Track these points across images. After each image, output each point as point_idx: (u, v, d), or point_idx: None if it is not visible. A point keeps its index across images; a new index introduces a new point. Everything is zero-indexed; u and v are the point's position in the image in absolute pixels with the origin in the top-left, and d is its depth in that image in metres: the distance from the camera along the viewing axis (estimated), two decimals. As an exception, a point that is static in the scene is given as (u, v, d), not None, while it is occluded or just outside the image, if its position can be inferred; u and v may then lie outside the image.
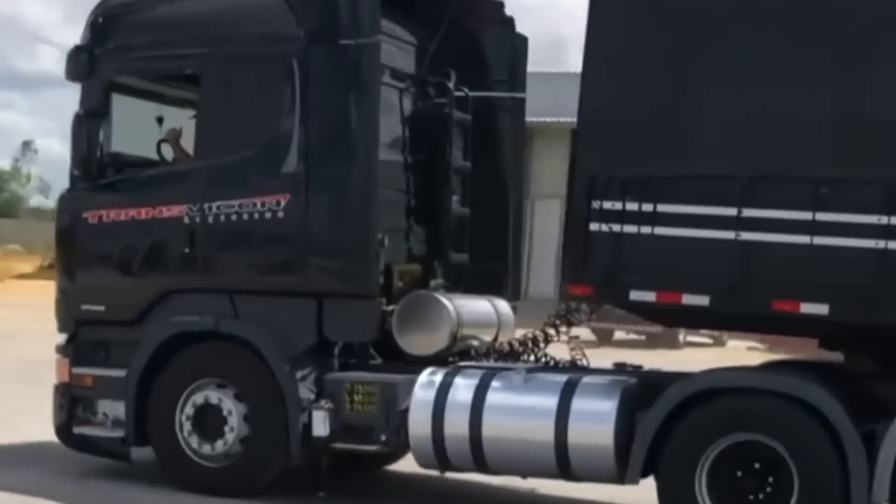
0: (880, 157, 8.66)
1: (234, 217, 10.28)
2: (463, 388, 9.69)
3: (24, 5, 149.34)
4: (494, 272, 11.61)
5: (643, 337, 29.44)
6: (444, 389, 9.72)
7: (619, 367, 10.17)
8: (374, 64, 10.14)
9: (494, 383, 9.67)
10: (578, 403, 9.37)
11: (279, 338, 10.10)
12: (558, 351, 10.45)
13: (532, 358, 10.63)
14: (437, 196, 11.19)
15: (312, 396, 9.99)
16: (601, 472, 9.37)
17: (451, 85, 11.21)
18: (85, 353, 10.80)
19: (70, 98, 11.76)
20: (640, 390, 9.46)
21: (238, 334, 10.21)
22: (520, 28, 11.84)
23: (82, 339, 10.86)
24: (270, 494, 10.17)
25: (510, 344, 10.76)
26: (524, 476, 10.01)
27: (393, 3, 10.81)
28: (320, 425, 9.89)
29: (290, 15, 10.25)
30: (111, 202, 10.72)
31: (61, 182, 11.49)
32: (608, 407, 9.30)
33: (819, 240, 8.74)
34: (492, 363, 10.35)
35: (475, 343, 10.73)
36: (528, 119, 12.36)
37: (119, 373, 10.51)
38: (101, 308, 10.73)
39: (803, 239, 8.77)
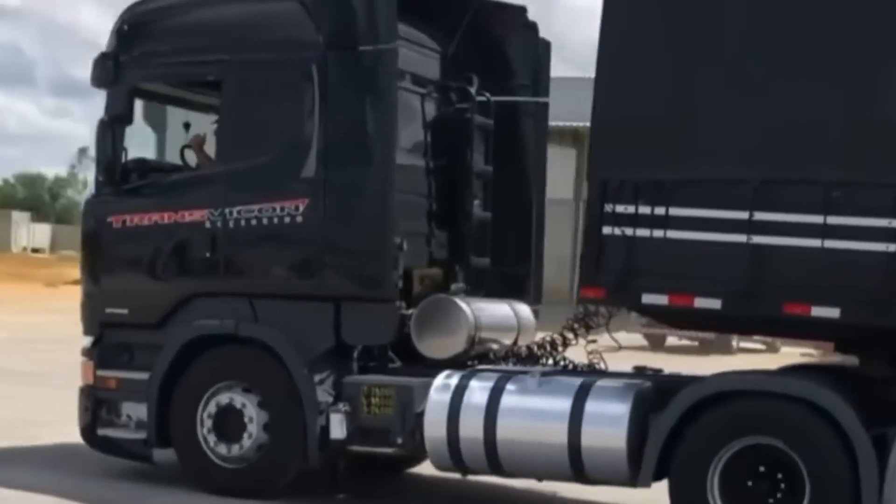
0: (891, 160, 8.65)
1: (253, 221, 10.40)
2: (478, 391, 9.75)
3: (80, 14, 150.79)
4: (517, 276, 11.66)
5: (696, 343, 29.33)
6: (459, 392, 9.79)
7: (639, 371, 10.20)
8: (391, 70, 10.22)
9: (509, 386, 9.73)
10: (592, 406, 9.42)
11: (297, 341, 10.20)
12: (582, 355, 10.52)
13: (550, 361, 10.71)
14: (458, 200, 11.27)
15: (330, 399, 10.09)
16: (614, 474, 9.40)
17: (472, 90, 11.29)
18: (109, 356, 10.96)
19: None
20: (654, 394, 9.49)
21: (257, 337, 10.33)
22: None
23: (107, 342, 11.01)
24: (290, 496, 10.26)
25: (529, 347, 10.83)
26: (539, 479, 10.06)
27: (415, 9, 10.92)
28: (337, 428, 9.99)
29: (309, 21, 10.37)
30: (135, 207, 10.87)
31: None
32: (621, 410, 9.34)
33: (830, 243, 8.75)
34: (509, 367, 10.40)
35: (495, 347, 10.80)
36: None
37: (142, 375, 10.65)
38: (125, 311, 10.88)
39: (814, 242, 8.79)
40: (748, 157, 9.02)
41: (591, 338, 10.52)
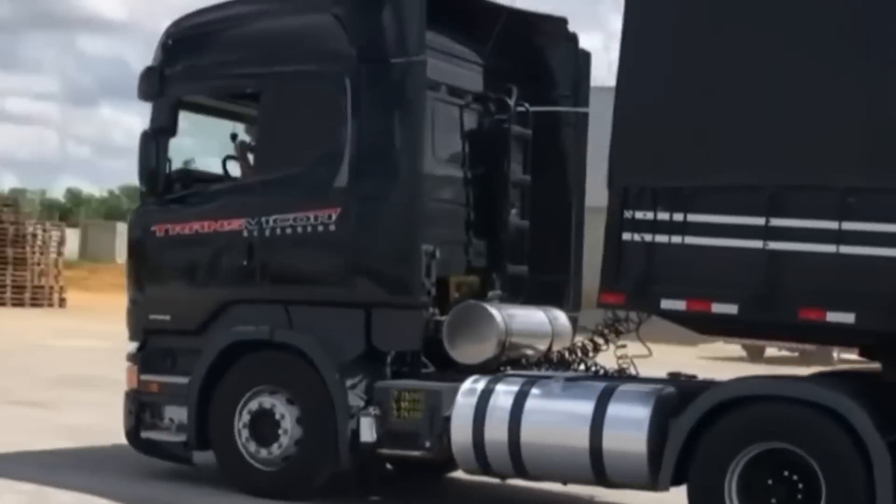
0: None
1: (289, 230, 10.66)
2: (503, 396, 9.91)
3: (162, 21, 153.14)
4: (556, 283, 11.80)
5: (796, 354, 29.09)
6: (485, 396, 9.95)
7: (674, 377, 10.28)
8: (419, 81, 10.41)
9: (534, 390, 9.87)
10: (613, 410, 9.52)
11: (330, 346, 10.42)
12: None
13: (582, 367, 10.84)
14: (495, 209, 11.44)
15: (362, 403, 10.30)
16: (635, 478, 9.50)
17: (511, 101, 11.47)
18: (152, 361, 11.28)
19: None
20: (677, 399, 9.56)
21: (291, 343, 10.58)
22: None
23: (150, 348, 11.35)
24: (324, 497, 10.49)
25: (560, 353, 10.96)
26: (564, 482, 10.20)
27: (453, 22, 11.15)
28: (367, 431, 10.20)
29: (342, 34, 10.62)
30: (177, 216, 11.20)
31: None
32: (642, 414, 9.43)
33: (845, 249, 8.79)
34: (535, 372, 10.55)
35: (529, 352, 10.95)
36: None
37: (183, 380, 10.95)
38: (167, 318, 11.21)
39: (829, 248, 8.83)
40: (764, 163, 9.08)
41: (620, 343, 10.62)
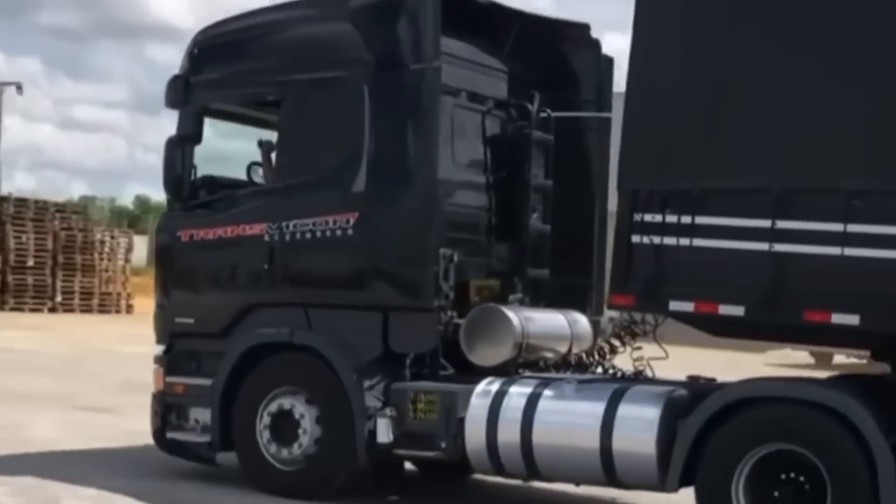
0: None
1: (308, 235, 10.84)
2: (516, 397, 10.02)
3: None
4: (578, 287, 11.88)
5: (864, 361, 28.80)
6: (498, 398, 10.06)
7: (693, 380, 10.32)
8: (434, 88, 10.52)
9: (546, 392, 9.96)
10: (623, 411, 9.59)
11: (348, 348, 10.59)
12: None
13: (600, 369, 10.92)
14: (515, 214, 11.54)
15: (379, 405, 10.44)
16: (644, 479, 9.56)
17: (532, 107, 11.58)
18: (177, 363, 11.50)
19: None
20: (688, 400, 9.60)
21: (310, 345, 10.75)
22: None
23: (176, 350, 11.57)
24: (346, 498, 10.65)
25: (578, 356, 11.05)
26: (576, 483, 10.28)
27: (474, 28, 11.30)
28: (384, 432, 10.33)
29: (360, 42, 10.78)
30: (201, 221, 11.43)
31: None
32: (651, 415, 9.48)
33: (849, 251, 8.83)
34: (552, 374, 10.64)
35: (548, 355, 11.05)
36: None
37: (208, 381, 11.15)
38: (192, 321, 11.43)
39: (834, 250, 8.87)
40: (771, 166, 9.14)
41: (636, 345, 10.69)
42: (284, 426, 10.76)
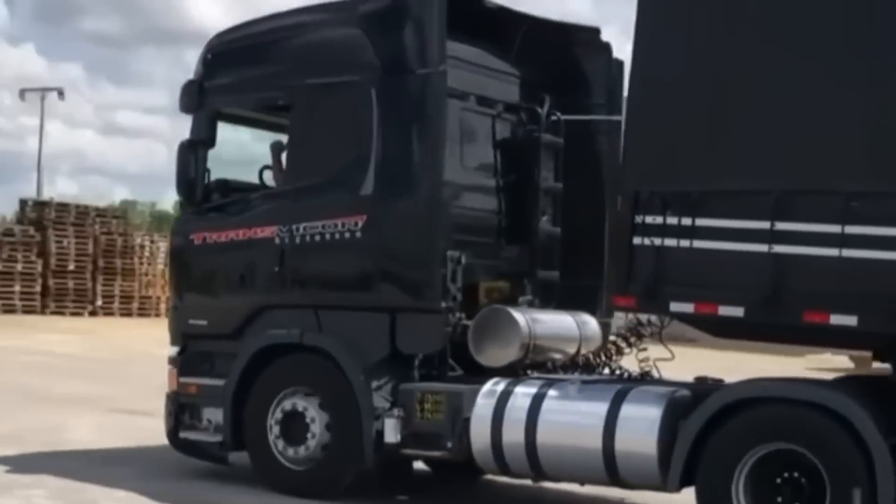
0: None
1: (317, 237, 10.97)
2: (521, 397, 10.10)
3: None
4: (589, 289, 11.93)
5: None
6: (503, 398, 10.15)
7: (701, 381, 10.37)
8: (440, 91, 10.63)
9: (550, 392, 10.04)
10: (626, 412, 9.65)
11: (357, 349, 10.71)
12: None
13: (607, 370, 10.99)
14: (525, 216, 11.62)
15: (386, 405, 10.55)
16: (646, 478, 9.62)
17: (542, 110, 11.66)
18: (191, 364, 11.68)
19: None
20: (690, 401, 9.65)
21: (320, 346, 10.87)
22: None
23: (189, 352, 11.75)
24: (355, 497, 10.75)
25: (586, 357, 11.12)
26: (580, 483, 10.34)
27: (484, 33, 11.39)
28: (391, 432, 10.45)
29: (369, 46, 10.90)
30: (213, 224, 11.59)
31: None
32: (653, 415, 9.54)
33: (848, 252, 8.85)
34: (558, 375, 10.71)
35: (557, 356, 11.12)
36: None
37: (220, 382, 11.32)
38: (205, 323, 11.60)
39: (833, 251, 8.89)
40: (771, 168, 9.18)
41: (642, 346, 10.75)
42: (294, 426, 10.89)
